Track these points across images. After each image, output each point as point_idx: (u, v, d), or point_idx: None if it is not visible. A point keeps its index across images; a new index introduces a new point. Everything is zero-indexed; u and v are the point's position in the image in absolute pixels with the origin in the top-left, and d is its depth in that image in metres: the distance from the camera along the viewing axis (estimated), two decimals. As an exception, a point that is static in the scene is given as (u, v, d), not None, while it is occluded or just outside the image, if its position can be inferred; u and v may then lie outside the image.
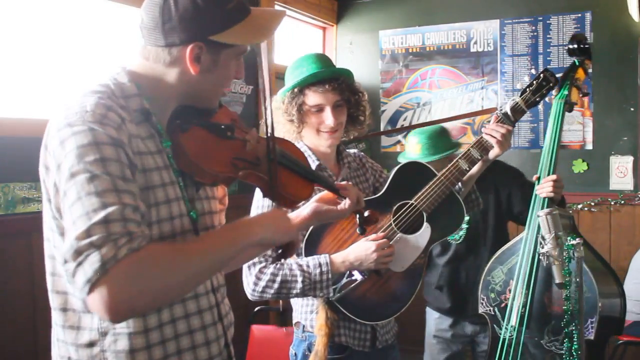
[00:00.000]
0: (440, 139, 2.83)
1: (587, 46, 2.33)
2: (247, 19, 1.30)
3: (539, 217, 2.18)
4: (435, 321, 2.91)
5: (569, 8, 4.30)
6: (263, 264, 1.89)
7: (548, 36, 4.35)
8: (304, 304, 2.05)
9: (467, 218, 2.68)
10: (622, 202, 4.14)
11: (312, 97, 1.99)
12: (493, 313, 2.37)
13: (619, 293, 2.30)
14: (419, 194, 2.04)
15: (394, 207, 2.04)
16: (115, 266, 1.01)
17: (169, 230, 1.23)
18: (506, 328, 2.29)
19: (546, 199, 2.28)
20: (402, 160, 2.73)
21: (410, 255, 2.01)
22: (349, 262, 1.90)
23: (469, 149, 2.11)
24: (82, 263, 1.02)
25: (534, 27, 4.40)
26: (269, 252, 1.91)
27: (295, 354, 2.06)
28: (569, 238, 2.12)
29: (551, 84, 2.18)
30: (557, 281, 2.12)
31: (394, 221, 2.01)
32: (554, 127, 2.32)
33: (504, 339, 2.30)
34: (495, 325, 2.37)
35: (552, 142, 2.32)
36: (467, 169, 2.08)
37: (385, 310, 2.00)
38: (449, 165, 2.08)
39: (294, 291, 1.88)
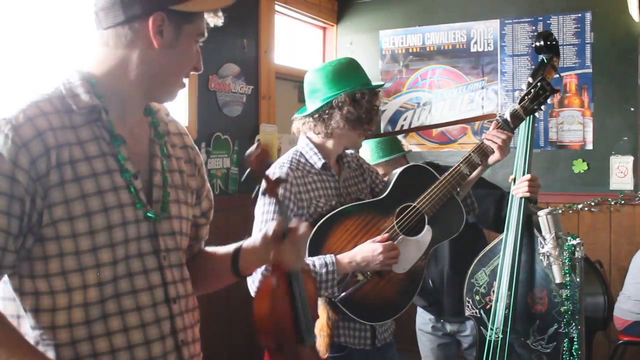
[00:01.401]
0: (389, 143, 2.95)
1: (554, 43, 2.34)
2: None
3: (540, 217, 2.18)
4: (418, 316, 3.00)
5: (569, 8, 4.30)
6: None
7: (548, 36, 4.34)
8: None
9: None
10: (622, 202, 4.14)
11: (376, 102, 2.10)
12: (479, 315, 2.37)
13: (603, 291, 2.32)
14: (421, 196, 2.07)
15: (397, 210, 2.06)
16: None
17: (105, 241, 1.18)
18: (492, 330, 2.29)
19: (523, 199, 2.29)
20: None
21: (412, 257, 2.04)
22: (355, 263, 1.92)
23: (470, 154, 2.15)
24: None
25: (534, 27, 4.40)
26: None
27: None
28: (569, 238, 2.12)
29: (547, 93, 2.21)
30: (557, 281, 2.13)
31: (396, 223, 2.04)
32: (526, 127, 2.33)
33: (489, 341, 2.30)
34: (482, 328, 2.38)
35: (525, 142, 2.33)
36: (468, 173, 2.13)
37: (386, 311, 2.01)
38: (451, 169, 2.12)
39: None
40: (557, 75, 2.31)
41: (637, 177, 4.12)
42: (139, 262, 1.23)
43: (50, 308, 1.17)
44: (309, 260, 1.91)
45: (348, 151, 2.25)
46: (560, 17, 4.32)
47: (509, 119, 2.18)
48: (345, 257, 1.92)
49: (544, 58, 2.33)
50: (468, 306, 2.41)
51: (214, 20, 1.30)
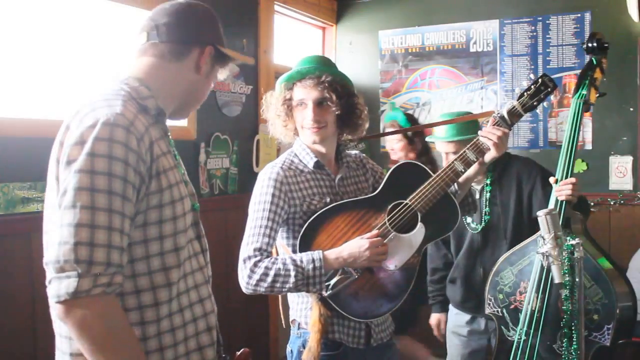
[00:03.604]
0: (466, 122, 2.83)
1: (606, 44, 2.33)
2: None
3: (539, 217, 2.19)
4: (453, 317, 2.91)
5: (568, 8, 4.30)
6: (258, 258, 1.90)
7: (547, 36, 4.35)
8: (299, 301, 2.07)
9: (487, 209, 2.70)
10: (622, 202, 4.15)
11: (297, 92, 2.04)
12: (501, 314, 2.36)
13: (632, 296, 2.28)
14: (414, 194, 2.05)
15: (389, 207, 2.04)
16: (84, 297, 1.17)
17: (182, 226, 1.35)
18: (515, 330, 2.28)
19: (564, 202, 2.28)
20: (432, 140, 2.85)
21: (404, 254, 2.02)
22: (342, 259, 1.91)
23: (464, 151, 2.12)
24: (60, 279, 1.17)
25: (533, 27, 4.40)
26: (264, 247, 1.93)
27: (292, 350, 2.09)
28: (568, 238, 2.12)
29: (549, 89, 2.17)
30: (556, 281, 2.13)
31: (388, 220, 2.02)
32: (572, 127, 2.32)
33: (515, 342, 2.29)
34: (502, 327, 2.36)
35: (570, 142, 2.31)
36: (463, 170, 2.10)
37: (378, 309, 2.01)
38: (444, 167, 2.10)
39: (287, 285, 1.88)
40: (604, 78, 2.33)
41: (637, 177, 4.12)
42: (192, 246, 1.42)
43: (133, 290, 1.29)
44: (296, 256, 1.92)
45: (352, 152, 2.26)
46: (559, 17, 4.32)
47: (506, 115, 2.15)
48: (332, 253, 1.92)
49: (593, 59, 2.33)
50: (489, 304, 2.39)
51: (225, 74, 1.58)
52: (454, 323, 2.90)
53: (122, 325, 1.23)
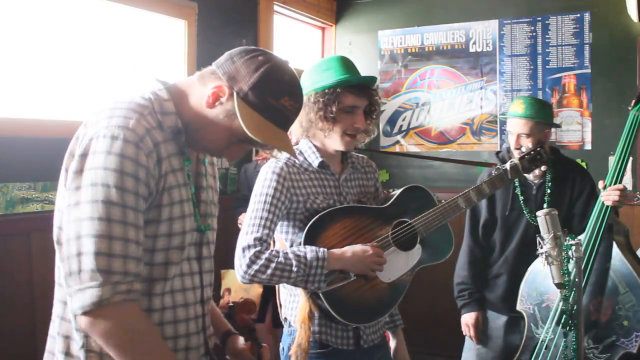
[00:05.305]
0: (543, 108, 2.80)
1: None
2: (270, 124, 1.36)
3: (538, 217, 2.19)
4: (492, 322, 2.84)
5: (567, 8, 4.30)
6: (258, 248, 1.91)
7: (547, 36, 4.35)
8: (291, 300, 2.10)
9: (545, 205, 2.73)
10: (621, 202, 4.14)
11: (350, 98, 2.04)
12: (532, 312, 2.39)
13: None
14: (419, 216, 2.14)
15: (394, 222, 2.12)
16: (107, 306, 1.21)
17: (178, 243, 1.36)
18: (543, 329, 2.30)
19: (609, 207, 2.34)
20: (506, 117, 2.87)
21: (399, 270, 2.09)
22: (345, 259, 1.95)
23: (469, 191, 2.25)
24: (83, 290, 1.21)
25: (532, 28, 4.41)
26: (264, 237, 1.94)
27: (283, 347, 2.12)
28: (567, 238, 2.13)
29: (544, 160, 2.38)
30: (555, 281, 2.14)
31: (391, 234, 2.09)
32: (627, 137, 2.42)
33: (539, 340, 2.31)
34: (532, 324, 2.38)
35: (624, 151, 2.41)
36: (464, 207, 2.23)
37: (363, 315, 2.03)
38: (450, 200, 2.20)
39: (285, 280, 1.91)
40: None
41: (636, 177, 4.12)
42: (188, 265, 1.42)
43: None
44: (300, 251, 1.93)
45: (360, 155, 2.30)
46: (559, 18, 4.33)
47: (508, 169, 2.29)
48: (336, 251, 1.95)
49: None
50: (522, 300, 2.42)
51: (274, 151, 1.49)
52: (490, 326, 2.82)
53: (147, 328, 1.28)
